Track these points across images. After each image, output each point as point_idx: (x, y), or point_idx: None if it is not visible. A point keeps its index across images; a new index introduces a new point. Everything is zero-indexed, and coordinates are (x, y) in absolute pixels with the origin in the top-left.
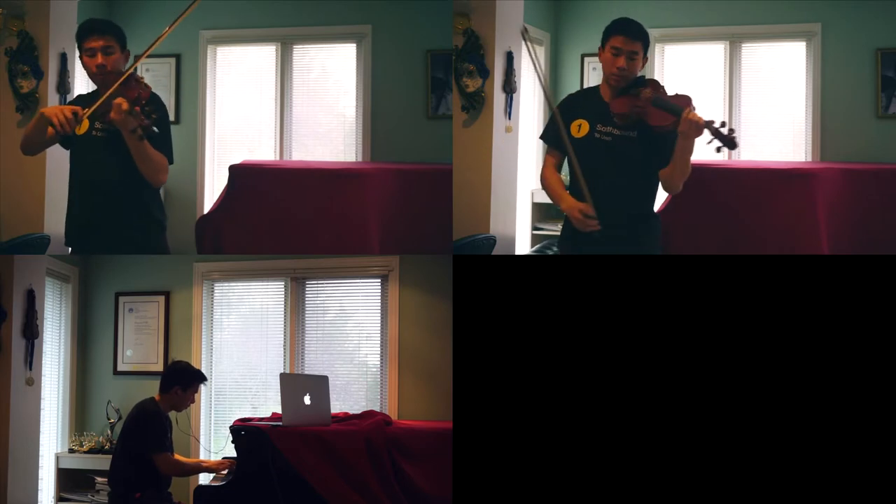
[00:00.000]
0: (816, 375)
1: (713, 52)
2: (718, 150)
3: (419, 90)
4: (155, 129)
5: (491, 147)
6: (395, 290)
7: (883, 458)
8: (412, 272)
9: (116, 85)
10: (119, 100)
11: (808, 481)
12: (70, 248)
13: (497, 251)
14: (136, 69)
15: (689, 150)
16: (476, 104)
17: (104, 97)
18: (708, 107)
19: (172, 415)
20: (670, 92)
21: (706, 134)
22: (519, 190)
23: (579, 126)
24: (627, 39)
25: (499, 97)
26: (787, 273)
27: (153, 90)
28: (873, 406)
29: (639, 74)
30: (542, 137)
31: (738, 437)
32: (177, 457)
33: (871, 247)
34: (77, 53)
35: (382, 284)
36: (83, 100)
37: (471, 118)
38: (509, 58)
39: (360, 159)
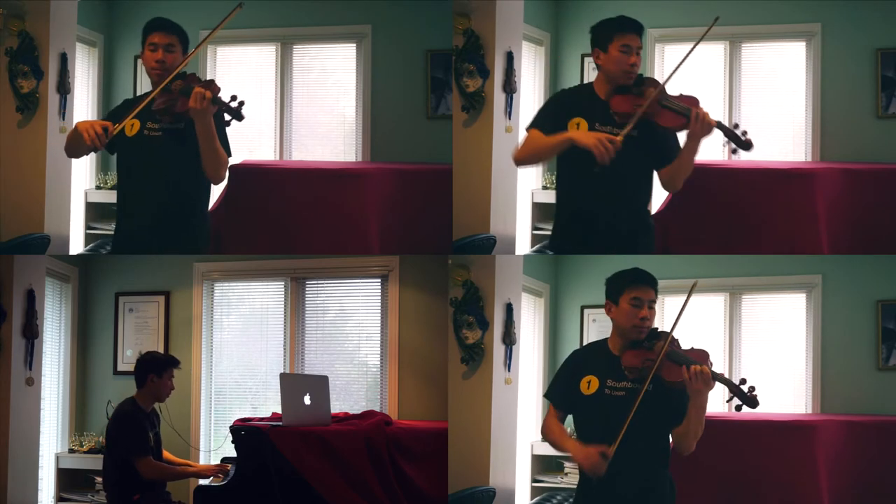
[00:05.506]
0: None
1: (713, 52)
2: (734, 151)
3: (419, 90)
4: (243, 113)
5: (491, 147)
6: (395, 290)
7: None
8: (412, 272)
9: (167, 80)
10: (199, 89)
11: None
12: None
13: (497, 251)
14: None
15: (696, 150)
16: (476, 104)
17: (156, 90)
18: (708, 107)
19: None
20: (674, 91)
21: (721, 136)
22: (519, 190)
23: (577, 125)
24: (635, 36)
25: (499, 97)
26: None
27: None
28: None
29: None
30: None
31: None
32: (167, 456)
33: (871, 247)
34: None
35: (382, 284)
36: (129, 102)
37: (471, 118)
38: (509, 58)
39: (360, 159)
